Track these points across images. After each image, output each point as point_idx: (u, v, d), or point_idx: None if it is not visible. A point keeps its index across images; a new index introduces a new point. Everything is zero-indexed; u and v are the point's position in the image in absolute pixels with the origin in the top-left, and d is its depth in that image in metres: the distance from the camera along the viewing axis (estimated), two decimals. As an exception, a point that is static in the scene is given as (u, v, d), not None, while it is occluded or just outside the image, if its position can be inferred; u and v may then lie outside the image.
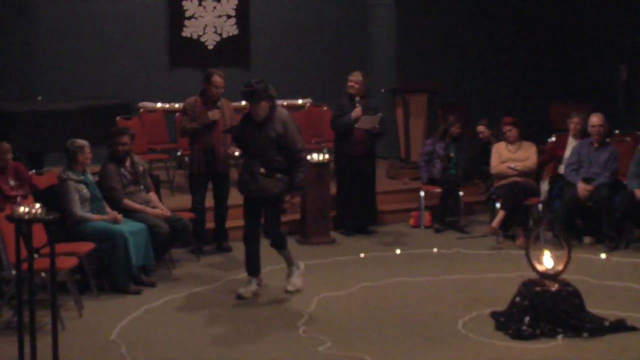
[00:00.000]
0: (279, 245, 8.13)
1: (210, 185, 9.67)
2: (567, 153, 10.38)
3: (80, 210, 8.18)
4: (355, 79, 10.36)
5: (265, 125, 7.71)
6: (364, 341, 6.85)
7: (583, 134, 10.35)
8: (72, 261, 7.53)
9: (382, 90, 12.81)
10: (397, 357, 6.58)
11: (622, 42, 13.98)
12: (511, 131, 10.28)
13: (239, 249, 9.72)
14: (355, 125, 10.22)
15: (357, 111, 10.25)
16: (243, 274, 8.79)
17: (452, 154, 10.86)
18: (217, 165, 9.44)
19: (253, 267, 8.13)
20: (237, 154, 8.01)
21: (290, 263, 8.21)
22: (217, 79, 9.41)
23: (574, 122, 10.35)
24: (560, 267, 7.15)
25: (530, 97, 14.44)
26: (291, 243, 10.17)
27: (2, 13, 12.64)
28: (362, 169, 10.47)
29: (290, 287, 8.12)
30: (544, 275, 7.14)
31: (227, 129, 9.36)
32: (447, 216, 10.80)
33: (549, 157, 10.65)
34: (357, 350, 6.62)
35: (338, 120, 10.36)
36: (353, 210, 10.53)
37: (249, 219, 8.06)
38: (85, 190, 8.28)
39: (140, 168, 8.90)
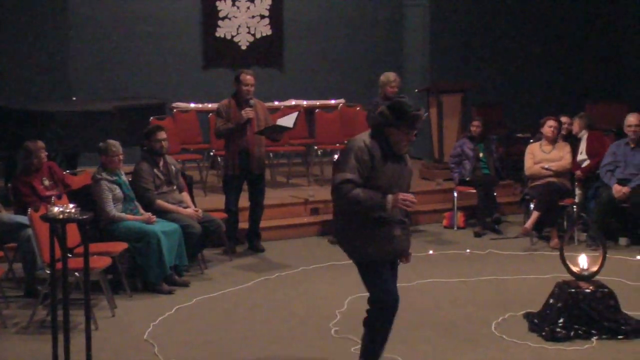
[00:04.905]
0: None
1: (245, 187, 9.67)
2: (579, 157, 10.45)
3: (114, 210, 8.23)
4: (396, 82, 10.27)
5: (404, 159, 5.73)
6: (396, 342, 6.79)
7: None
8: (106, 261, 7.56)
9: (416, 91, 12.78)
10: (430, 358, 6.54)
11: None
12: (554, 132, 10.18)
13: (271, 250, 9.76)
14: None
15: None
16: (275, 274, 8.82)
17: (480, 154, 10.82)
18: (252, 166, 9.45)
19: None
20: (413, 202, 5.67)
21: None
22: (246, 77, 9.42)
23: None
24: (595, 269, 7.08)
25: (567, 96, 14.32)
26: (324, 243, 10.22)
27: (37, 14, 12.76)
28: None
29: None
30: (579, 276, 7.07)
31: (260, 131, 9.38)
32: (485, 217, 10.73)
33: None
34: (389, 351, 6.56)
35: None
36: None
37: (393, 286, 5.93)
38: (118, 191, 8.33)
39: (173, 168, 8.94)
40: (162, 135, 8.81)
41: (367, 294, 7.98)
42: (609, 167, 9.91)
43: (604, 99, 14.14)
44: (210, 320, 7.45)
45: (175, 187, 8.91)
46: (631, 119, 9.95)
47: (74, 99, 12.48)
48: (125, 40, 13.44)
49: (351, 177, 5.47)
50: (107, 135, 9.20)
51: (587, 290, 6.93)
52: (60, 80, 12.91)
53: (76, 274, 7.07)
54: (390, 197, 5.53)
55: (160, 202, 8.67)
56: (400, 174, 5.66)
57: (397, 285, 8.33)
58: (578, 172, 10.37)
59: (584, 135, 10.63)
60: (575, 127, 10.71)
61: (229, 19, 14.00)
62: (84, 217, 6.28)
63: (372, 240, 5.65)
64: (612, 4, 14.90)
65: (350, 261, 9.18)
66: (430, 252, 9.76)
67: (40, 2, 12.81)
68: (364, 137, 5.62)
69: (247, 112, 9.34)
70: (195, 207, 9.01)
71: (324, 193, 11.14)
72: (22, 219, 7.89)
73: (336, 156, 10.25)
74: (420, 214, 11.20)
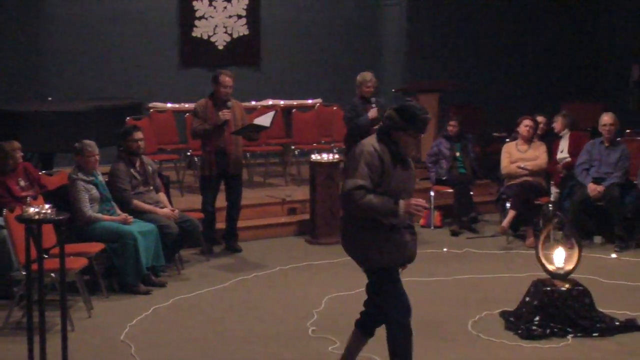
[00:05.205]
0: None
1: (222, 187, 9.67)
2: (559, 155, 10.52)
3: (90, 211, 8.20)
4: (372, 82, 10.27)
5: (408, 163, 5.62)
6: (373, 341, 6.77)
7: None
8: (82, 262, 7.53)
9: (393, 90, 12.81)
10: (407, 357, 6.55)
11: (635, 42, 13.94)
12: (530, 130, 10.23)
13: (248, 250, 9.76)
14: (375, 128, 10.11)
15: (373, 112, 10.18)
16: (252, 274, 8.82)
17: (457, 154, 10.88)
18: (228, 166, 9.44)
19: None
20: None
21: None
22: (225, 78, 9.40)
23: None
24: (570, 267, 7.13)
25: (543, 96, 14.40)
26: (302, 243, 10.22)
27: (12, 13, 12.68)
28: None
29: None
30: (554, 274, 7.12)
31: (237, 131, 9.37)
32: (461, 216, 10.78)
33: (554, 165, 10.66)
34: (366, 350, 6.56)
35: (356, 121, 10.24)
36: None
37: (406, 296, 5.74)
38: (94, 191, 8.30)
39: (150, 168, 8.92)
40: (139, 135, 8.79)
41: (344, 293, 8.05)
42: (584, 166, 9.98)
43: (580, 98, 14.23)
44: (187, 320, 7.44)
45: (151, 188, 8.89)
46: (606, 118, 10.02)
47: (50, 99, 12.41)
48: (102, 40, 13.37)
49: (363, 183, 5.32)
50: (83, 136, 9.15)
51: (563, 289, 6.98)
52: (36, 80, 12.83)
53: (52, 275, 7.03)
54: (402, 202, 5.39)
55: (137, 202, 8.64)
56: (407, 179, 5.54)
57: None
58: (559, 166, 10.44)
59: (567, 135, 10.67)
60: (558, 126, 10.76)
61: (206, 18, 13.97)
62: (60, 217, 6.26)
63: (385, 247, 5.47)
64: (588, 5, 14.99)
65: (328, 261, 9.29)
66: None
67: (15, 1, 12.73)
68: (372, 142, 5.47)
69: (224, 114, 9.32)
70: (172, 207, 8.99)
71: (301, 193, 11.17)
72: (-3, 219, 7.85)
73: (313, 156, 10.35)
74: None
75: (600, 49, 14.79)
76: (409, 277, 8.52)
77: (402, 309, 5.62)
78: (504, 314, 7.26)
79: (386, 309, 5.64)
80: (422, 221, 11.03)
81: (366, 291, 5.75)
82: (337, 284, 8.45)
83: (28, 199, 7.27)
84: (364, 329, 5.88)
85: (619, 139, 10.24)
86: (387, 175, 5.38)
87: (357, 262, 5.66)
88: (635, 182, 9.86)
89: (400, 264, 5.64)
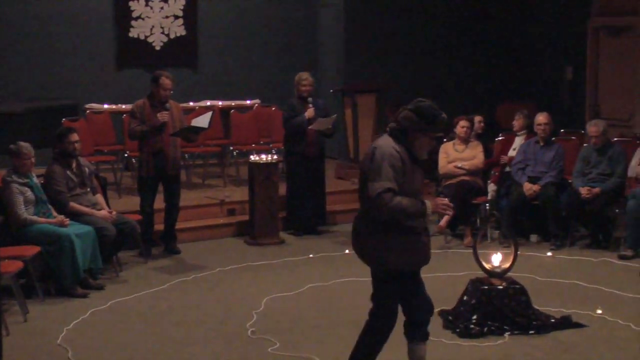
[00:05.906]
0: (427, 330, 5.88)
1: (160, 188, 9.60)
2: (510, 152, 10.65)
3: (25, 213, 8.08)
4: (308, 80, 10.37)
5: (420, 163, 5.54)
6: (313, 342, 6.85)
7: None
8: (17, 265, 7.42)
9: (331, 91, 12.84)
10: (346, 357, 6.57)
11: (568, 43, 14.17)
12: (466, 131, 10.34)
13: (187, 251, 9.71)
14: (310, 127, 10.22)
15: (310, 111, 10.26)
16: (191, 276, 8.78)
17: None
18: (167, 168, 9.39)
19: None
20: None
21: None
22: (166, 81, 9.32)
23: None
24: (507, 265, 7.21)
25: (479, 97, 14.56)
26: (241, 244, 10.20)
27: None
28: (314, 169, 10.48)
29: None
30: (491, 273, 7.20)
31: (175, 132, 9.32)
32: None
33: (497, 159, 10.77)
34: (306, 350, 6.62)
35: (292, 121, 10.32)
36: (303, 211, 10.53)
37: (416, 298, 5.78)
38: (29, 193, 8.18)
39: (87, 170, 8.82)
40: (75, 137, 8.68)
41: (284, 294, 8.05)
42: (520, 166, 10.12)
43: (515, 98, 14.41)
44: (126, 323, 7.37)
45: (88, 189, 8.79)
46: (540, 118, 10.17)
47: (-17, 100, 12.22)
48: (37, 40, 13.18)
49: (390, 185, 5.23)
50: (17, 137, 9.01)
51: (500, 287, 7.06)
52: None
53: (-14, 278, 6.93)
54: (429, 203, 5.38)
55: (73, 204, 8.54)
56: (421, 179, 5.50)
57: (313, 284, 8.41)
58: (505, 157, 10.55)
59: (524, 135, 10.74)
60: (517, 124, 10.84)
61: (143, 19, 13.85)
62: (-6, 220, 6.17)
63: (405, 251, 5.43)
64: (521, 5, 15.18)
65: (267, 262, 9.27)
66: (347, 251, 9.78)
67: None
68: (390, 143, 5.38)
69: (162, 116, 9.25)
70: (110, 209, 8.90)
71: (240, 194, 11.14)
72: None
73: (252, 157, 10.32)
74: (336, 214, 11.26)
75: (534, 49, 14.97)
76: (348, 278, 8.60)
77: (391, 319, 5.63)
78: (442, 313, 7.31)
79: (379, 310, 5.64)
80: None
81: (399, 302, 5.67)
82: (277, 284, 8.45)
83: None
84: (413, 333, 5.80)
85: (553, 138, 10.39)
86: (407, 176, 5.33)
87: (372, 265, 5.61)
88: (570, 181, 10.02)
89: (418, 266, 5.60)
